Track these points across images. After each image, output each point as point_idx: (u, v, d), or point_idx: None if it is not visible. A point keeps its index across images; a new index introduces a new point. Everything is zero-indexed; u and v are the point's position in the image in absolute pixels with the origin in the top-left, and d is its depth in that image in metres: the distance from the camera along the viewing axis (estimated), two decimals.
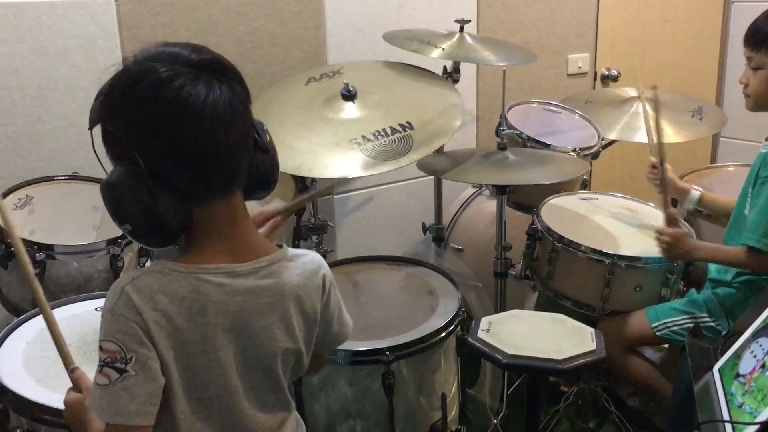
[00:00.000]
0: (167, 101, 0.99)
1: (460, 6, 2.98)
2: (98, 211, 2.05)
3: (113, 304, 1.02)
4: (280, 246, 1.17)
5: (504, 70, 2.31)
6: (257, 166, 1.13)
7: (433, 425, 1.87)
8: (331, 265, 2.14)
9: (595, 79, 3.59)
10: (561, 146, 2.50)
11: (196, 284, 1.05)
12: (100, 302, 1.77)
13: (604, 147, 2.73)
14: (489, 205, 2.71)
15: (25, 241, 1.83)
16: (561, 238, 2.18)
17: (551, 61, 3.37)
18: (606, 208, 2.47)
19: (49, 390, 1.46)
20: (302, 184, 2.30)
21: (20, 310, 1.90)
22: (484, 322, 1.81)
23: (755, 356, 1.28)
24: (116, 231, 1.92)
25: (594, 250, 2.13)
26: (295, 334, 1.16)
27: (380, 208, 2.97)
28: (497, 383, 2.32)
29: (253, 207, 1.19)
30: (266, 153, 1.14)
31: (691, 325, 2.07)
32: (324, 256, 1.54)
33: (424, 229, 2.80)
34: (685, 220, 2.36)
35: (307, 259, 1.19)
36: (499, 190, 2.23)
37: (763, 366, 1.23)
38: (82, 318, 1.71)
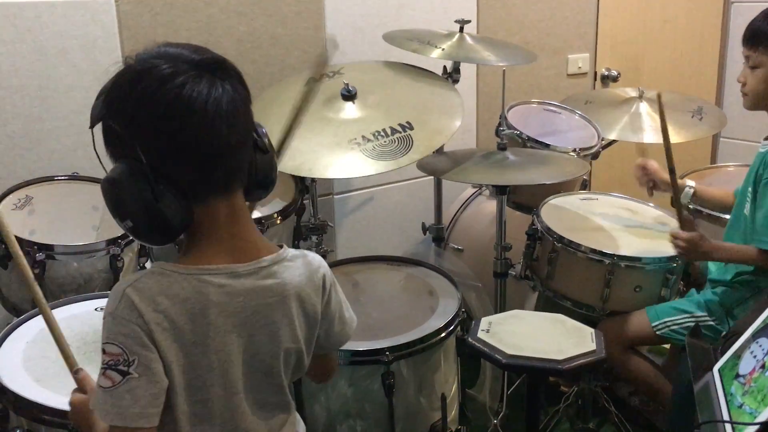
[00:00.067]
0: (170, 98, 1.00)
1: (460, 6, 2.98)
2: (98, 211, 2.05)
3: (115, 307, 1.02)
4: (281, 246, 1.17)
5: (504, 71, 2.31)
6: (257, 166, 1.13)
7: (432, 425, 1.87)
8: (331, 265, 2.14)
9: (595, 79, 3.59)
10: (561, 146, 2.50)
11: (197, 285, 1.05)
12: (99, 302, 1.77)
13: (604, 147, 2.73)
14: (489, 206, 2.71)
15: (25, 241, 1.83)
16: (561, 239, 2.18)
17: (551, 61, 3.37)
18: (606, 208, 2.47)
19: (48, 390, 1.46)
20: (302, 184, 2.30)
21: (20, 310, 1.90)
22: (484, 322, 1.82)
23: (755, 356, 1.28)
24: (116, 231, 1.93)
25: (594, 251, 2.13)
26: (296, 334, 1.16)
27: (380, 209, 2.97)
28: (497, 383, 2.32)
29: None
30: (265, 153, 1.14)
31: (691, 324, 2.07)
32: (324, 256, 1.54)
33: (424, 229, 2.80)
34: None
35: (307, 259, 1.19)
36: (499, 191, 2.23)
37: (762, 366, 1.23)
38: (82, 318, 1.71)
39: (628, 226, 2.35)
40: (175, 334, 1.04)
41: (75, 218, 2.05)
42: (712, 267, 2.22)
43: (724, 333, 2.06)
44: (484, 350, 1.70)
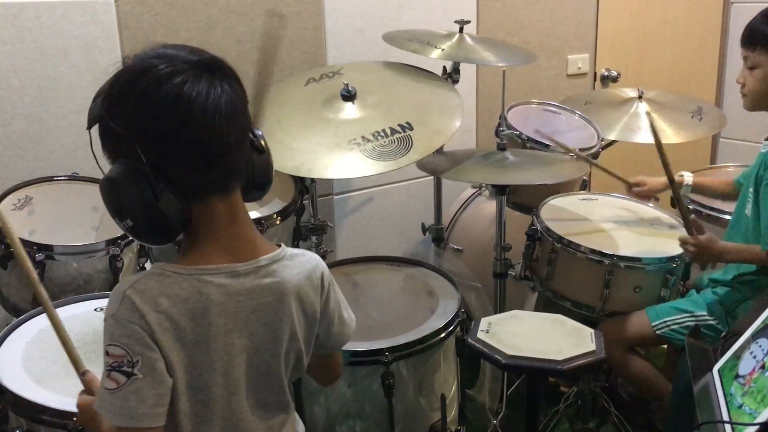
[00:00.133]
0: (171, 97, 1.00)
1: (460, 6, 2.98)
2: (98, 211, 2.05)
3: (116, 308, 1.02)
4: (279, 245, 1.17)
5: (504, 71, 2.31)
6: (254, 166, 1.14)
7: (432, 426, 1.87)
8: (331, 265, 2.14)
9: (595, 79, 3.59)
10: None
11: (198, 285, 1.06)
12: (99, 303, 1.77)
13: (604, 147, 2.73)
14: (488, 206, 2.71)
15: (25, 242, 1.83)
16: (560, 239, 2.18)
17: (551, 61, 3.37)
18: (605, 208, 2.47)
19: (48, 390, 1.46)
20: (302, 184, 2.30)
21: (20, 310, 1.90)
22: (484, 322, 1.81)
23: (755, 357, 1.28)
24: (116, 232, 1.93)
25: (593, 251, 2.13)
26: (295, 333, 1.16)
27: (380, 209, 2.97)
28: (497, 384, 2.32)
29: None
30: (262, 153, 1.15)
31: (691, 323, 2.07)
32: (323, 256, 1.54)
33: (424, 229, 2.80)
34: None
35: (305, 258, 1.19)
36: (499, 191, 2.23)
37: (762, 367, 1.23)
38: (81, 318, 1.71)
39: (627, 227, 2.35)
40: (177, 335, 1.04)
41: (75, 218, 2.04)
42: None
43: (724, 333, 2.07)
44: (483, 351, 1.70)
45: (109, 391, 1.01)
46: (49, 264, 1.87)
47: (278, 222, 2.13)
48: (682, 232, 2.23)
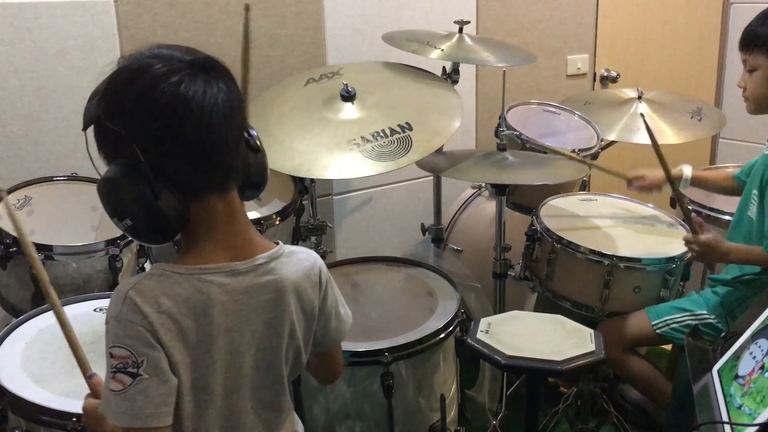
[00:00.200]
0: (168, 96, 1.00)
1: (460, 7, 2.98)
2: (97, 211, 2.05)
3: (118, 310, 1.02)
4: (277, 243, 1.17)
5: (503, 71, 2.31)
6: (249, 165, 1.14)
7: (432, 426, 1.87)
8: (330, 266, 2.14)
9: (594, 80, 3.59)
10: (560, 147, 2.50)
11: (198, 285, 1.06)
12: (98, 303, 1.77)
13: (604, 148, 2.73)
14: (488, 206, 2.71)
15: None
16: (560, 239, 2.18)
17: (550, 62, 3.37)
18: (605, 209, 2.47)
19: (47, 391, 1.45)
20: (301, 184, 2.30)
21: (19, 310, 1.90)
22: (483, 323, 1.81)
23: (754, 357, 1.28)
24: (115, 232, 1.92)
25: (593, 251, 2.13)
26: (295, 330, 1.17)
27: (379, 209, 2.97)
28: (496, 384, 2.32)
29: None
30: (257, 152, 1.16)
31: (692, 322, 2.07)
32: (323, 257, 1.54)
33: (424, 230, 2.80)
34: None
35: (303, 255, 1.20)
36: (499, 191, 2.23)
37: (762, 367, 1.23)
38: (81, 319, 1.71)
39: (627, 227, 2.35)
40: (180, 334, 1.04)
41: (74, 219, 2.04)
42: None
43: (723, 333, 2.07)
44: (483, 351, 1.70)
45: (115, 393, 1.01)
46: (49, 264, 1.86)
47: (278, 222, 2.13)
48: (682, 233, 2.23)
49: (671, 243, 2.22)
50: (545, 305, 2.38)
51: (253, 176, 1.16)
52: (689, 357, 1.49)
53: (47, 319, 1.68)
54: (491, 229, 2.42)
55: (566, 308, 2.20)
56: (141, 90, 1.01)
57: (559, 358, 1.64)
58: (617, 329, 2.16)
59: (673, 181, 2.05)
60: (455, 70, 2.48)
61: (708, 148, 3.96)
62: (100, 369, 1.15)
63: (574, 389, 2.33)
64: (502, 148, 2.28)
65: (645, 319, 2.13)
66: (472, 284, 2.36)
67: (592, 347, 1.69)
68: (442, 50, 2.36)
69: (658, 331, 2.11)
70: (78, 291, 1.90)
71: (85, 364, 1.21)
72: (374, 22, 2.77)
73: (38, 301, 1.82)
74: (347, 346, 1.73)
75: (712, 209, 2.45)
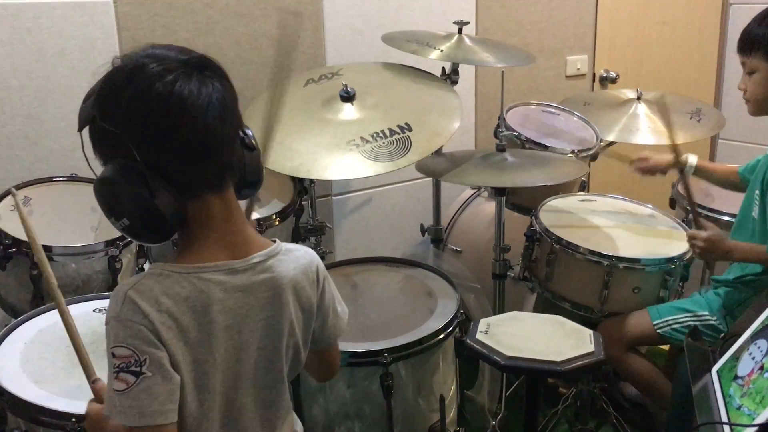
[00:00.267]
0: (164, 95, 1.01)
1: (459, 7, 2.98)
2: (97, 212, 2.02)
3: (118, 310, 1.02)
4: (274, 241, 1.18)
5: (503, 72, 2.31)
6: (245, 163, 1.14)
7: (431, 427, 1.86)
8: (330, 266, 2.15)
9: (594, 80, 3.59)
10: (559, 148, 2.50)
11: (197, 284, 1.06)
12: (98, 304, 1.77)
13: (603, 149, 2.73)
14: (487, 207, 2.71)
15: (24, 242, 1.83)
16: (559, 240, 2.18)
17: (550, 62, 3.38)
18: (604, 209, 2.47)
19: (46, 391, 1.45)
20: (300, 185, 2.30)
21: (18, 311, 1.90)
22: (483, 323, 1.81)
23: (753, 358, 1.28)
24: (115, 232, 1.92)
25: (592, 252, 2.13)
26: (293, 328, 1.17)
27: (379, 210, 2.97)
28: (496, 385, 2.32)
29: None
30: (252, 151, 1.16)
31: (692, 323, 2.07)
32: (322, 257, 1.54)
33: (423, 230, 2.80)
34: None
35: (300, 253, 1.20)
36: (498, 192, 2.23)
37: (761, 368, 1.23)
38: (80, 319, 1.69)
39: (626, 228, 2.35)
40: (181, 333, 1.04)
41: (73, 219, 2.04)
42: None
43: (723, 334, 2.07)
44: (482, 352, 1.70)
45: (119, 393, 1.01)
46: None
47: (277, 223, 2.13)
48: (681, 233, 2.23)
49: (670, 243, 2.22)
50: (544, 306, 2.38)
51: (248, 175, 1.16)
52: (689, 358, 1.49)
53: (46, 319, 1.68)
54: (490, 229, 2.42)
55: (565, 309, 2.20)
56: (136, 90, 1.01)
57: (559, 359, 1.64)
58: (618, 328, 2.16)
59: (682, 169, 2.04)
60: (454, 71, 2.48)
61: (707, 149, 3.97)
62: (100, 369, 1.15)
63: (574, 390, 2.33)
64: (501, 149, 2.28)
65: (646, 319, 2.13)
66: (471, 285, 2.36)
67: (591, 348, 1.69)
68: (442, 51, 2.36)
69: (659, 331, 2.11)
70: (77, 292, 1.90)
71: (90, 368, 1.21)
72: (374, 23, 2.78)
73: (37, 302, 1.83)
74: (346, 346, 1.73)
75: (711, 209, 2.44)
